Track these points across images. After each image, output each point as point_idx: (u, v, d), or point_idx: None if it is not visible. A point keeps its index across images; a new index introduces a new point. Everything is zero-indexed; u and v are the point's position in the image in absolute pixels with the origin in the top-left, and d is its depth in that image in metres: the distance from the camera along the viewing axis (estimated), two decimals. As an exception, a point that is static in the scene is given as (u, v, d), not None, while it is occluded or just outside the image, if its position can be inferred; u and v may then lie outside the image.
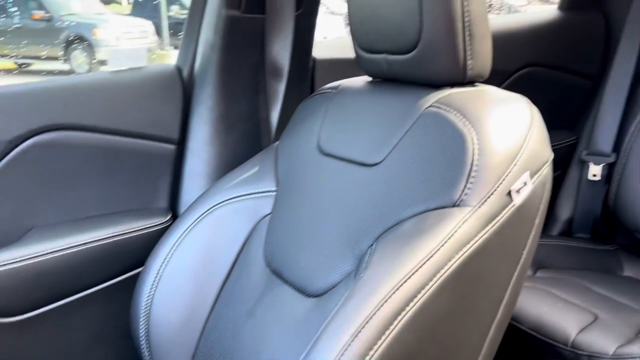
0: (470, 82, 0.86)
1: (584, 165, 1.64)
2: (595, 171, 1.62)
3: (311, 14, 1.26)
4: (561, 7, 1.64)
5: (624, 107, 1.59)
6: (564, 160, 1.68)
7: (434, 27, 0.82)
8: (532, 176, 0.77)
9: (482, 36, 0.84)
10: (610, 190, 1.61)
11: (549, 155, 0.82)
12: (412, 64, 0.86)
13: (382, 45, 0.89)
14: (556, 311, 1.19)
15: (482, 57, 0.84)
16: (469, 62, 0.83)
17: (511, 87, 1.53)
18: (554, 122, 1.69)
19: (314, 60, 1.34)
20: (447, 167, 0.75)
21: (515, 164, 0.75)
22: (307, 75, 1.31)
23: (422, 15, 0.81)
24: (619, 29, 1.62)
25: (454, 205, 0.73)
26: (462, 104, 0.80)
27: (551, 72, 1.61)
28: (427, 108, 0.83)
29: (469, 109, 0.79)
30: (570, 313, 1.19)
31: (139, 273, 1.07)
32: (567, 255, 1.56)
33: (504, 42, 1.47)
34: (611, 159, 1.59)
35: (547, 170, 0.80)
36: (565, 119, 1.71)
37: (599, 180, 1.61)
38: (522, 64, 1.59)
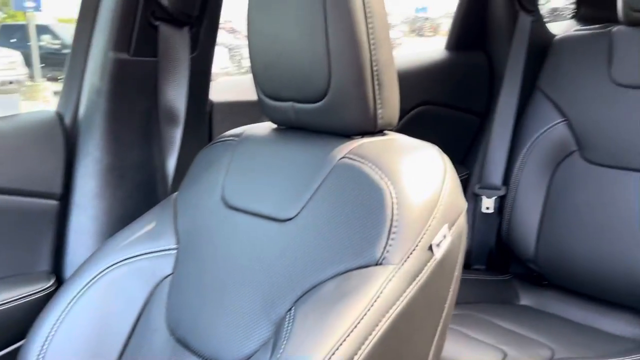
0: (380, 131, 0.85)
1: (477, 199, 1.70)
2: (488, 204, 1.68)
3: (207, 56, 1.20)
4: (448, 47, 1.71)
5: (510, 142, 1.68)
6: None
7: (343, 76, 0.79)
8: (450, 228, 0.76)
9: (390, 84, 0.82)
10: (503, 222, 1.68)
11: (464, 204, 0.81)
12: (321, 113, 0.83)
13: (289, 94, 0.85)
14: (467, 352, 1.20)
15: (391, 106, 0.83)
16: (379, 111, 0.81)
17: (406, 125, 1.56)
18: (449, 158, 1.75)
19: (212, 103, 1.27)
20: (366, 223, 0.72)
21: (434, 217, 0.73)
22: (204, 120, 1.24)
23: (331, 64, 0.79)
24: (501, 68, 1.72)
25: (376, 264, 0.70)
26: (376, 155, 0.78)
27: (443, 109, 1.67)
28: (340, 159, 0.79)
29: (384, 160, 0.76)
30: (480, 353, 1.20)
31: (19, 348, 0.93)
32: (467, 288, 1.59)
33: (399, 82, 1.50)
34: (502, 192, 1.67)
35: (462, 220, 0.80)
36: (458, 154, 1.76)
37: (492, 213, 1.68)
38: (416, 103, 1.62)
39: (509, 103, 1.69)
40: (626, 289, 1.43)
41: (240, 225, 0.87)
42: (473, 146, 1.76)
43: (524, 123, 1.69)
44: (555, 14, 2.34)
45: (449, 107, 1.68)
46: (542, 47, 1.72)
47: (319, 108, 0.82)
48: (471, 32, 1.71)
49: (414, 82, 1.63)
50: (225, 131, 1.02)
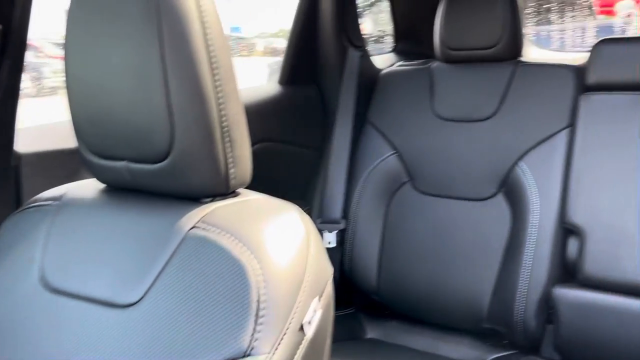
0: (233, 191, 0.75)
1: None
2: (329, 239, 1.67)
3: (10, 100, 1.00)
4: (281, 82, 1.68)
5: (347, 175, 1.69)
6: None
7: (189, 134, 0.69)
8: (319, 299, 0.69)
9: (242, 140, 0.74)
10: (345, 256, 1.67)
11: (330, 269, 0.75)
12: (164, 175, 0.71)
13: (122, 152, 0.72)
14: None
15: (243, 163, 0.74)
16: (231, 171, 0.72)
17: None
18: (289, 194, 1.70)
19: (19, 156, 1.07)
20: (228, 307, 0.62)
21: (303, 291, 0.66)
22: (9, 177, 1.03)
23: (173, 121, 0.68)
24: (333, 102, 1.72)
25: (244, 356, 0.60)
26: (232, 223, 0.68)
27: (280, 146, 1.62)
28: (190, 229, 0.69)
29: (243, 229, 0.67)
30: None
31: None
32: None
33: None
34: (342, 226, 1.67)
35: (330, 288, 0.74)
36: (298, 189, 1.73)
37: (334, 247, 1.67)
38: (255, 140, 1.55)
39: (343, 137, 1.70)
40: (464, 314, 1.50)
41: (68, 313, 0.72)
42: (312, 181, 1.74)
43: (359, 156, 1.71)
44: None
45: (286, 143, 1.64)
46: (370, 82, 1.77)
47: (161, 169, 0.70)
48: (303, 66, 1.70)
49: (250, 119, 1.56)
50: (38, 191, 0.85)
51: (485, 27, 1.54)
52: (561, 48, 2.73)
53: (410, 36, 2.10)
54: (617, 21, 3.42)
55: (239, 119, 0.73)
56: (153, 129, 0.69)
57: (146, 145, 0.70)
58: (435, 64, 1.70)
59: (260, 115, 1.55)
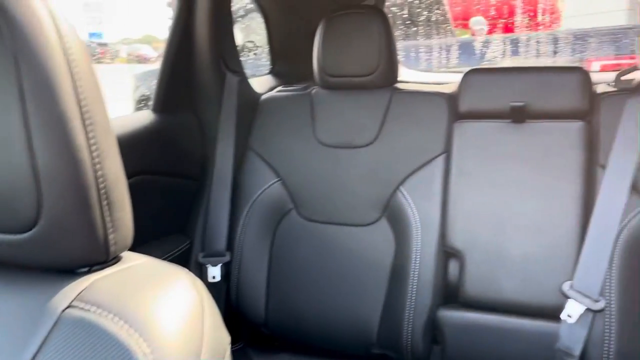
0: (114, 257, 0.67)
1: (202, 268, 1.61)
2: (214, 273, 1.60)
3: None
4: (155, 110, 1.57)
5: (230, 205, 1.63)
6: (184, 265, 1.60)
7: (60, 200, 0.60)
8: None
9: (122, 200, 0.66)
10: (231, 289, 1.61)
11: (227, 337, 0.70)
12: (32, 246, 0.61)
13: None
14: None
15: (124, 225, 0.67)
16: (110, 237, 0.64)
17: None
18: (168, 228, 1.61)
19: None
20: None
21: None
22: None
23: (41, 186, 0.59)
24: (213, 129, 1.66)
25: None
26: (114, 299, 0.60)
27: (157, 178, 1.52)
28: (65, 310, 0.60)
29: (127, 306, 0.60)
30: None
31: None
32: None
33: None
34: (227, 258, 1.60)
35: (229, 356, 0.68)
36: (178, 223, 1.64)
37: (219, 281, 1.60)
38: (129, 174, 1.44)
39: (225, 165, 1.64)
40: (355, 340, 1.50)
41: None
42: (193, 213, 1.66)
43: (242, 185, 1.66)
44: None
45: (164, 174, 1.54)
46: (250, 107, 1.72)
47: (28, 240, 0.61)
48: (178, 93, 1.61)
49: (123, 152, 1.44)
50: None
51: (362, 55, 1.57)
52: (428, 68, 2.88)
53: (288, 58, 2.09)
54: (475, 38, 3.69)
55: (118, 177, 0.65)
56: (15, 196, 0.59)
57: (8, 215, 0.60)
58: (315, 90, 1.70)
59: (134, 147, 1.44)
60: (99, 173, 0.62)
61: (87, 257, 0.64)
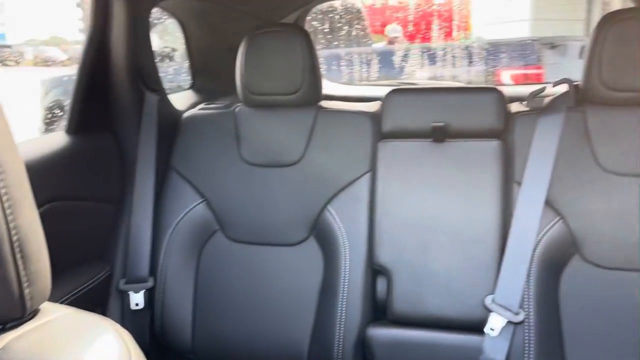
0: (31, 312, 0.62)
1: (124, 296, 1.54)
2: (136, 299, 1.53)
3: None
4: (69, 131, 1.48)
5: (153, 229, 1.57)
6: (103, 295, 1.53)
7: None
8: None
9: (39, 252, 0.62)
10: (156, 316, 1.55)
11: None
12: None
13: None
14: None
15: (41, 278, 0.62)
16: (26, 291, 0.59)
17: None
18: (86, 256, 1.52)
19: None
20: None
21: None
22: None
23: None
24: (132, 150, 1.59)
25: None
26: None
27: (73, 203, 1.43)
28: None
29: None
30: None
31: None
32: None
33: None
34: (150, 284, 1.54)
35: None
36: (96, 249, 1.56)
37: (142, 308, 1.53)
38: (40, 201, 1.35)
39: (146, 187, 1.58)
40: None
41: None
42: (112, 238, 1.58)
43: (165, 206, 1.60)
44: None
45: (80, 199, 1.46)
46: (171, 126, 1.67)
47: None
48: (95, 113, 1.53)
49: (34, 177, 1.35)
50: None
51: (286, 74, 1.56)
52: (350, 81, 2.91)
53: (209, 74, 2.05)
54: (395, 47, 3.78)
55: (34, 227, 0.61)
56: None
57: None
58: (239, 108, 1.67)
59: (47, 172, 1.36)
60: (12, 225, 0.57)
61: (0, 315, 0.59)
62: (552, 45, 4.48)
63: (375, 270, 1.49)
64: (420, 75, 3.55)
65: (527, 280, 1.33)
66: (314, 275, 1.51)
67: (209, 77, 2.05)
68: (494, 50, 4.04)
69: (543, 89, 1.50)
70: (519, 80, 4.17)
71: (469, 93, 1.56)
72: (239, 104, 1.68)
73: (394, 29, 4.88)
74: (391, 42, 4.64)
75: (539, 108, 1.46)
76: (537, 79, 4.14)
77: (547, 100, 1.48)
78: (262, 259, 1.56)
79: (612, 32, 1.35)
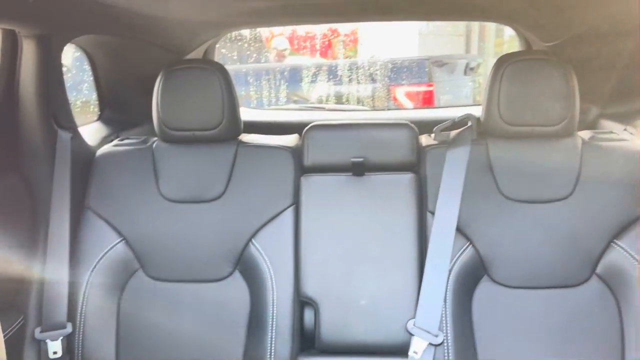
0: None
1: (40, 345, 1.46)
2: (54, 348, 1.47)
3: None
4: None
5: (70, 272, 1.51)
6: (18, 346, 1.45)
7: None
8: None
9: None
10: None
11: None
12: None
13: None
14: None
15: None
16: None
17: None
18: None
19: None
20: None
21: None
22: None
23: None
24: (44, 190, 1.52)
25: None
26: None
27: None
28: None
29: None
30: None
31: None
32: None
33: None
34: (68, 330, 1.48)
35: None
36: (8, 298, 1.47)
37: (61, 356, 1.47)
38: None
39: (61, 228, 1.52)
40: None
41: None
42: (25, 285, 1.50)
43: (81, 248, 1.55)
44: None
45: None
46: (85, 164, 1.62)
47: None
48: (2, 153, 1.45)
49: None
50: None
51: (205, 110, 1.56)
52: (259, 106, 2.93)
53: (118, 105, 1.99)
54: (301, 63, 3.82)
55: None
56: None
57: None
58: (156, 143, 1.65)
59: None
60: None
61: None
62: (441, 63, 4.76)
63: (302, 302, 1.53)
64: (320, 92, 3.64)
65: (443, 303, 1.44)
66: (241, 309, 1.53)
67: (118, 108, 2.00)
68: (391, 68, 4.22)
69: (450, 123, 1.63)
70: (412, 97, 4.39)
71: (385, 129, 1.65)
72: (156, 139, 1.66)
73: (281, 42, 4.90)
74: (280, 55, 4.67)
75: (446, 141, 1.58)
76: (429, 96, 4.38)
77: (453, 133, 1.61)
78: (187, 297, 1.55)
79: (508, 72, 1.49)
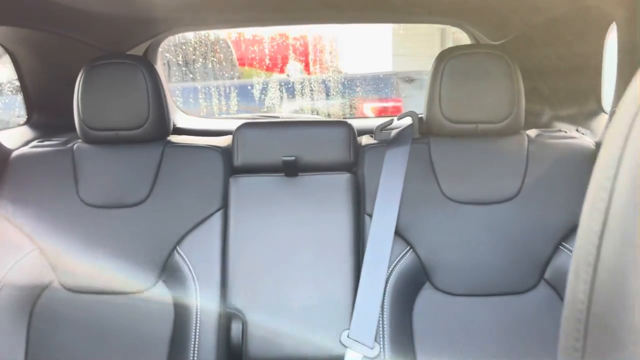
0: None
1: None
2: None
3: None
4: None
5: None
6: None
7: None
8: None
9: None
10: None
11: None
12: None
13: None
14: None
15: None
16: None
17: None
18: None
19: None
20: None
21: None
22: None
23: None
24: None
25: None
26: None
27: None
28: None
29: None
30: None
31: None
32: None
33: None
34: None
35: None
36: None
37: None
38: None
39: None
40: None
41: None
42: None
43: None
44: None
45: None
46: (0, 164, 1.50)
47: None
48: None
49: None
50: None
51: (128, 107, 1.46)
52: (210, 114, 2.83)
53: (47, 108, 1.87)
54: (252, 83, 3.73)
55: None
56: None
57: None
58: (77, 144, 1.53)
59: None
60: None
61: None
62: (410, 79, 4.73)
63: (229, 314, 1.41)
64: (283, 108, 3.56)
65: (380, 312, 1.32)
66: (164, 323, 1.40)
67: (48, 111, 1.88)
68: (355, 84, 4.17)
69: (390, 122, 1.53)
70: (379, 113, 4.34)
71: (319, 127, 1.55)
72: (78, 141, 1.54)
73: (294, 67, 4.78)
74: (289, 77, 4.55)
75: (386, 141, 1.49)
76: (397, 111, 4.33)
77: (394, 133, 1.51)
78: (106, 310, 1.42)
79: (448, 67, 1.41)
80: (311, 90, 3.71)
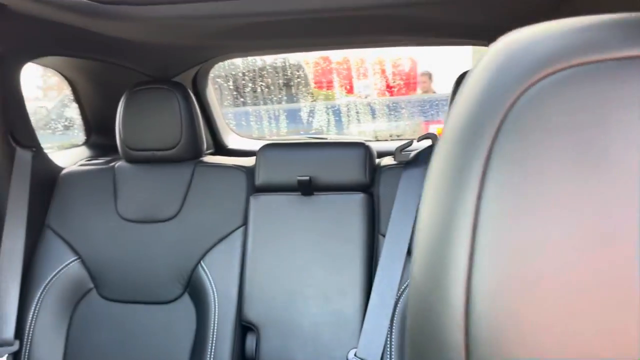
0: None
1: None
2: None
3: None
4: None
5: (20, 289, 1.51)
6: None
7: None
8: None
9: None
10: None
11: None
12: None
13: None
14: None
15: None
16: None
17: None
18: None
19: None
20: None
21: None
22: None
23: None
24: (1, 208, 1.55)
25: None
26: None
27: None
28: None
29: None
30: None
31: None
32: None
33: None
34: (15, 347, 1.47)
35: None
36: None
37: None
38: None
39: (15, 246, 1.53)
40: None
41: None
42: None
43: (35, 266, 1.56)
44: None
45: None
46: (48, 183, 1.64)
47: None
48: None
49: None
50: None
51: (163, 129, 1.56)
52: (261, 136, 2.93)
53: (104, 129, 2.03)
54: (300, 107, 3.80)
55: None
56: None
57: None
58: (118, 164, 1.66)
59: None
60: None
61: None
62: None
63: (245, 327, 1.46)
64: (346, 130, 3.61)
65: (389, 332, 1.32)
66: (187, 333, 1.48)
67: (104, 133, 2.04)
68: (425, 105, 4.16)
69: (410, 143, 1.54)
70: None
71: (336, 148, 1.59)
72: (120, 160, 1.67)
73: (365, 85, 4.79)
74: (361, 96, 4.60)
75: (403, 161, 1.50)
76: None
77: (413, 154, 1.52)
78: (136, 318, 1.52)
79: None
80: (355, 112, 3.72)
